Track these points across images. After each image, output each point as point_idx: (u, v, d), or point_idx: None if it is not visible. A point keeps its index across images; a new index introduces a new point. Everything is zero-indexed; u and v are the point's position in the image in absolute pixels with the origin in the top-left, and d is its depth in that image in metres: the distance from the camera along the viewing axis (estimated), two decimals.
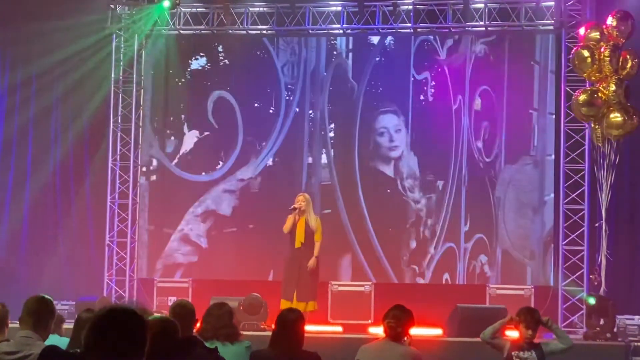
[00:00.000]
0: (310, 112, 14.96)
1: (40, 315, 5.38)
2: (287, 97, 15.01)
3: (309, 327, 6.77)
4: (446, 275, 14.35)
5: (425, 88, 14.71)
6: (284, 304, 11.85)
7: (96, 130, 15.19)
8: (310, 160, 14.90)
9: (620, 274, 13.19)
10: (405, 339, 6.36)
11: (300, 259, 12.02)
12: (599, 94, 12.04)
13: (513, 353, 7.15)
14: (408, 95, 14.63)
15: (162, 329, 4.60)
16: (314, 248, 11.97)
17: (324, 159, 14.88)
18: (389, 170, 14.62)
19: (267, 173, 14.92)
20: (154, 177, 15.29)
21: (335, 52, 15.09)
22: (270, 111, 15.04)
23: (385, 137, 14.70)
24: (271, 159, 14.96)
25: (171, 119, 15.36)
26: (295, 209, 12.03)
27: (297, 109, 14.97)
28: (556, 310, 13.22)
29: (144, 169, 15.23)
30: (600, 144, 12.15)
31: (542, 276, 14.01)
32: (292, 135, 14.93)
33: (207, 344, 5.81)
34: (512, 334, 7.53)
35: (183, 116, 15.32)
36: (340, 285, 13.74)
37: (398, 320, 6.32)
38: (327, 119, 14.90)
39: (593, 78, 12.26)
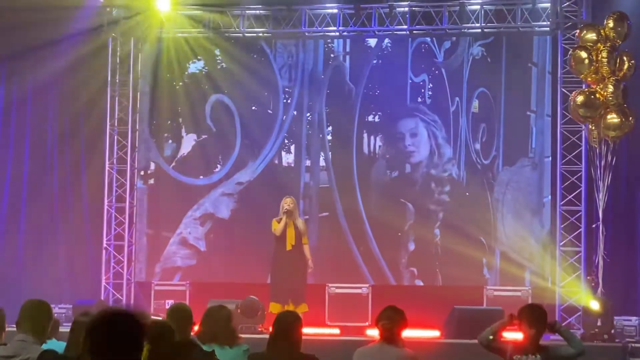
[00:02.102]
0: (308, 114, 14.96)
1: (38, 319, 5.39)
2: (285, 100, 15.00)
3: (306, 330, 6.77)
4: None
5: (422, 90, 14.72)
6: (275, 307, 11.88)
7: (93, 133, 15.15)
8: (308, 162, 14.90)
9: (618, 275, 13.19)
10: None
11: (292, 262, 12.13)
12: (597, 95, 12.04)
13: (515, 357, 6.40)
14: (406, 97, 14.63)
15: (159, 333, 4.61)
16: (302, 250, 12.17)
17: (322, 161, 14.88)
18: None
19: (265, 176, 14.90)
20: (152, 181, 15.29)
21: (332, 55, 15.09)
22: (268, 113, 15.04)
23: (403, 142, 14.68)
24: (269, 162, 14.95)
25: (168, 122, 15.35)
26: (287, 211, 12.16)
27: (295, 112, 14.96)
28: (554, 312, 13.20)
29: (142, 172, 15.22)
30: (596, 145, 12.17)
31: (540, 278, 14.00)
32: (290, 138, 14.93)
33: (205, 347, 5.81)
34: (514, 335, 6.91)
35: (181, 119, 15.30)
36: (337, 287, 13.72)
37: (392, 320, 6.24)
38: (325, 122, 14.90)
39: (590, 79, 12.26)
